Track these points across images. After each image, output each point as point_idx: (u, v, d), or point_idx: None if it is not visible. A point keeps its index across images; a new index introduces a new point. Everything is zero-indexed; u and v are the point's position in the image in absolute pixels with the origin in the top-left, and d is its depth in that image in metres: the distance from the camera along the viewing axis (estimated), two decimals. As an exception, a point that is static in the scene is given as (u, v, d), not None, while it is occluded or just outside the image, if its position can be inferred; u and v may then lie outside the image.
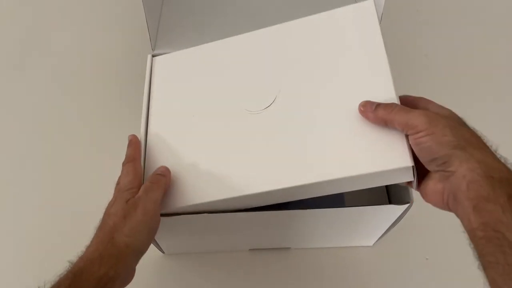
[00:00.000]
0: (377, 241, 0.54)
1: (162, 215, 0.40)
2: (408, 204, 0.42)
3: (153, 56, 0.53)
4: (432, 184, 0.34)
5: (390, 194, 0.53)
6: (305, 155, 0.38)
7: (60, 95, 0.69)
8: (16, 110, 0.68)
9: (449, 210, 0.33)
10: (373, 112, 0.37)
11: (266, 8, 0.61)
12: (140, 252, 0.38)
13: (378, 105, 0.37)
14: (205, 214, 0.42)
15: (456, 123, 0.34)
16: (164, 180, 0.41)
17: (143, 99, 0.49)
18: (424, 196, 0.36)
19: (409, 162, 0.35)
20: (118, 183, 0.41)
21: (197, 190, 0.40)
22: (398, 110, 0.35)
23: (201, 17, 0.59)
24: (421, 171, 0.35)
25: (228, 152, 0.41)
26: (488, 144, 0.33)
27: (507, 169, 0.31)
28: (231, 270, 0.55)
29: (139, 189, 0.40)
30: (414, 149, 0.35)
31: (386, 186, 0.53)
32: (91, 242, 0.38)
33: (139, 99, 0.49)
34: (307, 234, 0.51)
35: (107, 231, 0.37)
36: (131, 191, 0.40)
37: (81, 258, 0.36)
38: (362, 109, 0.38)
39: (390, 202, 0.49)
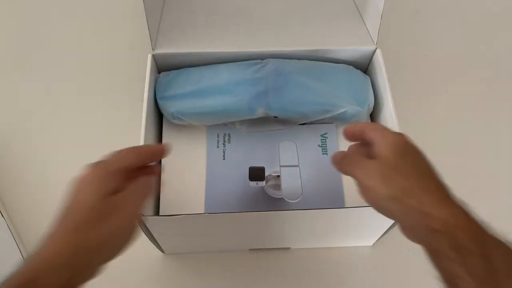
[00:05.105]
0: (377, 241, 0.54)
1: (163, 215, 0.40)
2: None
3: (153, 56, 0.53)
4: None
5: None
6: None
7: (59, 95, 0.69)
8: (15, 110, 0.68)
9: None
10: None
11: (266, 8, 0.61)
12: (108, 260, 0.32)
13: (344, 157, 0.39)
14: (205, 214, 0.42)
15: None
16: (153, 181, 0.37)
17: (143, 100, 0.49)
18: None
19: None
20: (103, 159, 0.34)
21: None
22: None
23: (201, 17, 0.59)
24: None
25: None
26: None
27: None
28: (231, 270, 0.55)
29: (127, 179, 0.33)
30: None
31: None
32: (50, 237, 0.30)
33: (139, 99, 0.49)
34: (307, 234, 0.51)
35: (70, 230, 0.30)
36: (117, 176, 0.33)
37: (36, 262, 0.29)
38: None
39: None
